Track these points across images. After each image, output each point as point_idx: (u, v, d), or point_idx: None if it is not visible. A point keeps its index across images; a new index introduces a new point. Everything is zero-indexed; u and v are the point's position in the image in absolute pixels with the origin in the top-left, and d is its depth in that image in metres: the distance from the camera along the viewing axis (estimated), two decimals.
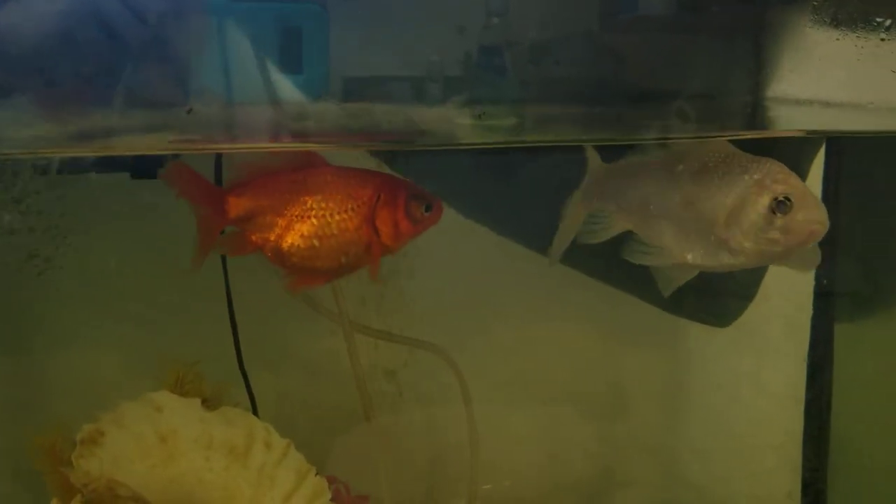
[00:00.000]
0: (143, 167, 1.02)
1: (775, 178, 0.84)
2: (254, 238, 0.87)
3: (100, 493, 0.88)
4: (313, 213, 0.85)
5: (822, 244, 1.17)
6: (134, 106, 0.80)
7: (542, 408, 1.37)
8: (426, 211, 0.87)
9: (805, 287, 1.23)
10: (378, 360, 1.28)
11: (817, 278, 1.20)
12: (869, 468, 1.21)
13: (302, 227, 0.85)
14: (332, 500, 0.97)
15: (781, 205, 0.83)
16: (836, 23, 0.80)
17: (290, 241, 0.85)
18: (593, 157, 1.00)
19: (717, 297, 1.21)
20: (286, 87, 0.81)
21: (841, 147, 1.12)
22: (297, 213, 0.85)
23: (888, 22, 0.80)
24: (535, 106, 0.89)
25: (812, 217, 0.83)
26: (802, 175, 1.13)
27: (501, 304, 1.31)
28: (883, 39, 0.80)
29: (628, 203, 0.97)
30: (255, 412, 1.12)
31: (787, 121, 0.87)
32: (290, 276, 0.88)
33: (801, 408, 1.26)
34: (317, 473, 0.97)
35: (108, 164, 1.00)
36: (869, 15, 0.79)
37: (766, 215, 0.83)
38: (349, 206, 0.85)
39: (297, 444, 0.97)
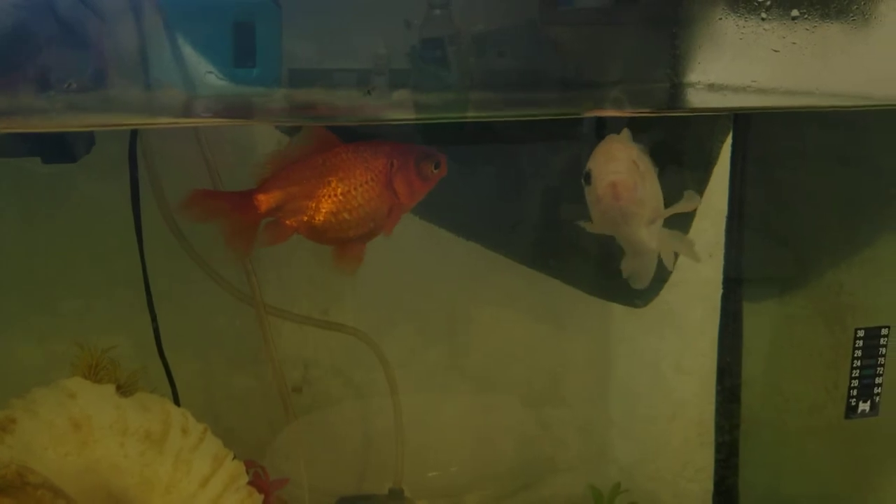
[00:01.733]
0: (56, 152, 1.01)
1: (589, 158, 0.91)
2: (289, 223, 0.94)
3: (9, 480, 0.86)
4: (339, 190, 0.93)
5: (730, 222, 1.21)
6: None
7: (471, 393, 1.38)
8: (435, 168, 0.96)
9: (717, 266, 1.25)
10: (301, 346, 1.28)
11: (727, 258, 1.23)
12: (777, 440, 1.25)
13: (331, 205, 0.93)
14: (249, 483, 0.97)
15: (587, 177, 0.90)
16: (722, 4, 0.83)
17: (322, 218, 0.93)
18: None
19: None
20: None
21: (747, 129, 1.15)
22: (324, 193, 0.93)
23: (768, 2, 0.82)
24: (477, 94, 0.92)
25: (606, 171, 0.88)
26: (712, 156, 1.17)
27: (428, 288, 1.32)
28: (763, 18, 0.83)
29: None
30: (175, 398, 1.12)
31: (686, 101, 0.90)
32: (335, 254, 0.97)
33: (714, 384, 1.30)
34: (234, 458, 0.97)
35: (19, 149, 0.99)
36: None
37: (589, 191, 0.90)
38: (368, 177, 0.93)
39: (217, 430, 0.97)
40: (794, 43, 0.83)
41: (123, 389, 0.97)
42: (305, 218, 0.93)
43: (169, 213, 1.11)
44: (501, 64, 0.91)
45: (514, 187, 1.25)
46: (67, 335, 1.09)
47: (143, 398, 0.97)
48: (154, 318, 1.12)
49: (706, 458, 1.37)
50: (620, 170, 0.88)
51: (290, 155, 0.95)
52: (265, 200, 0.94)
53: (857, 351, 0.99)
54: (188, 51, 0.81)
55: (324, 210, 0.93)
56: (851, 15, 0.84)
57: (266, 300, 1.16)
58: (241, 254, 0.98)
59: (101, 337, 1.01)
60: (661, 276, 1.21)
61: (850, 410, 1.01)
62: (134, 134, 1.07)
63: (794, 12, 0.83)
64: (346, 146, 0.94)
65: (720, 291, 1.26)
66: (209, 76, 0.82)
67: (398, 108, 0.89)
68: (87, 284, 1.16)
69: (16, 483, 0.87)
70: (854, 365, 0.99)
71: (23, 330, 1.16)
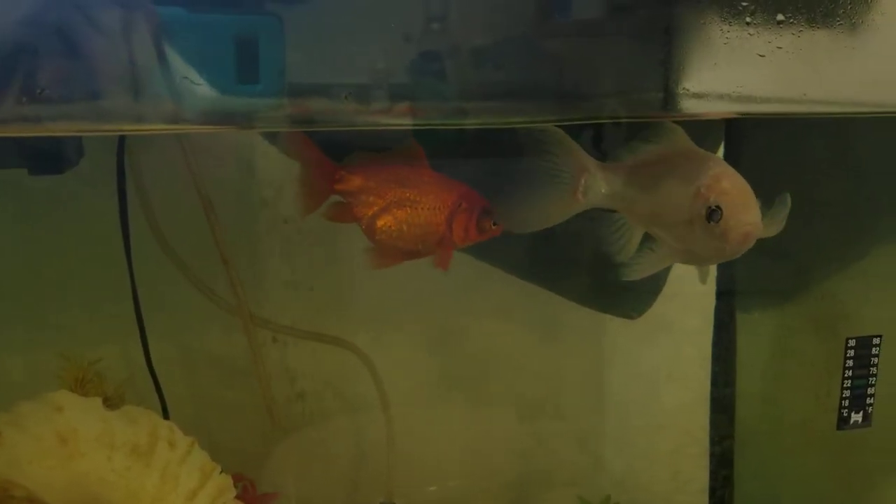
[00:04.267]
0: (43, 163, 1.00)
1: (709, 185, 0.86)
2: (354, 211, 1.00)
3: None
4: (407, 203, 0.99)
5: None
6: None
7: (464, 405, 1.37)
8: (493, 224, 1.02)
9: (710, 279, 1.25)
10: (290, 358, 1.27)
11: (719, 269, 1.23)
12: (771, 451, 1.24)
13: (395, 213, 0.99)
14: (237, 497, 0.97)
15: (714, 213, 0.85)
16: (705, 9, 0.83)
17: (383, 220, 0.99)
18: (579, 154, 0.98)
19: (628, 291, 1.23)
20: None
21: (740, 138, 1.14)
22: (394, 199, 0.99)
23: (752, 7, 0.82)
24: (475, 104, 0.94)
25: (742, 220, 0.84)
26: None
27: (420, 300, 1.31)
28: (748, 23, 0.82)
29: (634, 204, 0.97)
30: (164, 411, 1.11)
31: (676, 108, 0.89)
32: (375, 251, 1.03)
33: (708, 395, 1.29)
34: (221, 471, 0.96)
35: (5, 160, 0.98)
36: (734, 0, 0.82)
37: (704, 225, 0.85)
38: (435, 205, 0.99)
39: (206, 443, 0.96)
40: (779, 48, 0.83)
41: (110, 402, 0.96)
42: (370, 213, 0.99)
43: (157, 225, 1.10)
44: (499, 76, 0.91)
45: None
46: (54, 347, 1.08)
47: (129, 411, 0.96)
48: (142, 330, 1.11)
49: (701, 470, 1.36)
50: (755, 221, 0.84)
51: (383, 158, 1.01)
52: (343, 179, 1.00)
53: (848, 361, 0.97)
54: (189, 66, 0.81)
55: (388, 214, 0.99)
56: (838, 19, 0.84)
57: (257, 312, 1.16)
58: (302, 210, 1.03)
59: (88, 349, 1.01)
60: (655, 287, 1.21)
61: (843, 421, 1.00)
62: (122, 145, 1.07)
63: (780, 17, 0.82)
64: (431, 172, 1.01)
65: (714, 302, 1.26)
66: (212, 90, 0.82)
67: (396, 117, 0.91)
68: (74, 296, 1.15)
69: (0, 497, 0.86)
70: (846, 375, 0.98)
71: (8, 342, 1.15)
